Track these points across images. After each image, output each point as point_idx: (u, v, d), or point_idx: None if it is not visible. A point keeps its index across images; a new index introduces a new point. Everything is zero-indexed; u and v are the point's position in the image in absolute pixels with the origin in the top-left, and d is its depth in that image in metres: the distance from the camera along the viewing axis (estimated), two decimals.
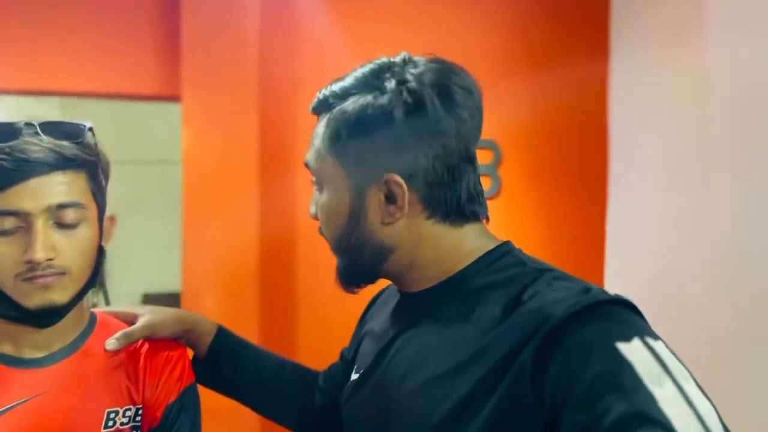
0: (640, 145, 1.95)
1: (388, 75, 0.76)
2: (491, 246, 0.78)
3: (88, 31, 2.21)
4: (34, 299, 0.84)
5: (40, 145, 0.84)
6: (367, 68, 0.79)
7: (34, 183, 0.83)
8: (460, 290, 0.76)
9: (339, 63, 2.40)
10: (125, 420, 0.91)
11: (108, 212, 0.95)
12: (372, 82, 0.77)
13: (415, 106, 0.74)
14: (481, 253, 0.77)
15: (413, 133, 0.74)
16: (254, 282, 2.25)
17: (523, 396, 0.63)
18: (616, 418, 0.55)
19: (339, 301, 2.40)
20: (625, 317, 0.65)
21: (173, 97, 2.19)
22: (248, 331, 2.23)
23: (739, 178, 1.55)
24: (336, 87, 0.79)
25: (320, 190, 0.82)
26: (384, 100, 0.74)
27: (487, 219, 0.81)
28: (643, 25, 1.93)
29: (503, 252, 0.78)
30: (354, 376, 0.88)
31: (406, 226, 0.77)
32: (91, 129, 0.91)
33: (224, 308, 2.20)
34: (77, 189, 0.86)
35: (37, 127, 0.86)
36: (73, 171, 0.86)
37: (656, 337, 0.62)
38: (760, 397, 1.39)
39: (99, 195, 0.91)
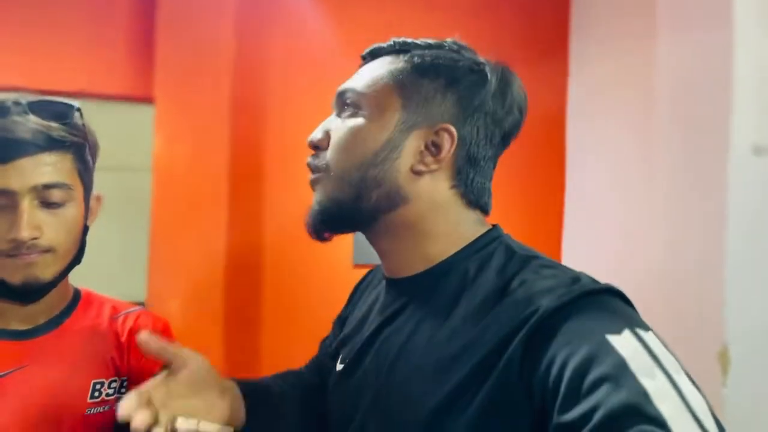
0: (595, 144, 2.04)
1: (474, 52, 0.78)
2: (482, 231, 0.78)
3: (57, 27, 2.19)
4: (17, 275, 0.86)
5: (27, 126, 0.85)
6: (449, 40, 0.79)
7: (21, 163, 0.84)
8: (448, 277, 0.75)
9: (313, 71, 2.47)
10: (110, 391, 0.93)
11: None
12: (461, 51, 0.78)
13: (502, 87, 0.76)
14: (471, 239, 0.76)
15: (486, 106, 0.75)
16: (220, 290, 2.25)
17: (512, 388, 0.62)
18: (608, 412, 0.54)
19: (303, 309, 2.43)
20: (615, 307, 0.64)
21: (145, 99, 2.19)
22: (212, 338, 2.23)
23: (681, 179, 1.64)
24: (416, 40, 0.79)
25: (353, 114, 0.77)
26: (479, 66, 0.76)
27: (487, 215, 0.81)
28: (601, 25, 2.03)
29: (492, 238, 0.77)
30: (339, 366, 0.85)
31: (428, 184, 0.75)
32: (79, 110, 0.93)
33: (188, 315, 2.19)
34: (64, 169, 0.88)
35: (26, 106, 0.87)
36: (60, 152, 0.88)
37: (647, 328, 0.62)
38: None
39: (85, 175, 0.93)
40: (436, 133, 0.74)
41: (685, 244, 1.60)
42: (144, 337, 0.74)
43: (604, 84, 1.99)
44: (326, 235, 0.79)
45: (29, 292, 0.88)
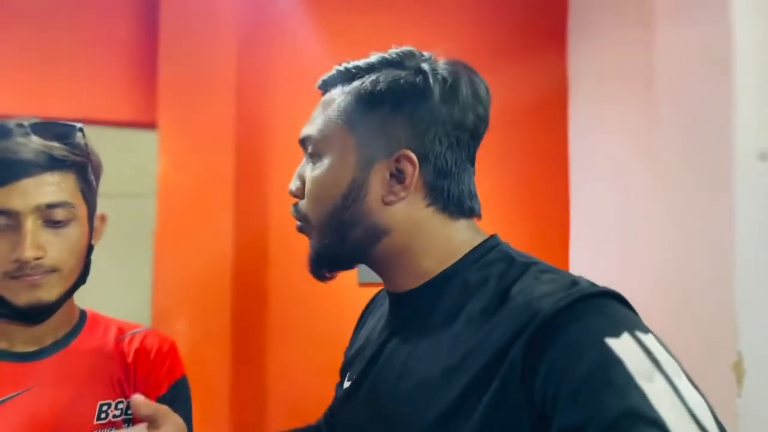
0: (599, 152, 2.04)
1: (419, 58, 0.77)
2: (479, 240, 0.77)
3: (59, 54, 2.19)
4: (22, 297, 0.86)
5: (30, 146, 0.86)
6: (392, 52, 0.78)
7: (24, 183, 0.85)
8: (449, 288, 0.74)
9: (316, 91, 2.46)
10: (117, 413, 0.92)
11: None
12: (403, 62, 0.76)
13: (451, 90, 0.74)
14: (469, 249, 0.76)
15: (439, 116, 0.74)
16: (225, 311, 2.23)
17: (513, 395, 0.62)
18: (608, 418, 0.54)
19: (310, 333, 2.41)
20: (614, 310, 0.63)
21: (148, 124, 2.20)
22: (217, 359, 2.21)
23: (687, 186, 1.63)
24: (359, 62, 0.78)
25: (316, 161, 0.78)
26: (420, 77, 0.74)
27: (479, 217, 0.80)
28: (599, 26, 2.03)
29: (490, 246, 0.77)
30: (346, 384, 0.86)
31: (405, 210, 0.75)
32: (81, 130, 0.93)
33: (193, 337, 2.17)
34: (67, 189, 0.88)
35: (28, 128, 0.88)
36: (63, 171, 0.88)
37: (646, 331, 0.61)
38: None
39: (89, 194, 0.93)
40: (397, 160, 0.74)
41: (694, 252, 1.58)
42: (138, 400, 0.74)
43: (606, 91, 1.99)
44: (327, 275, 0.82)
45: (34, 313, 0.88)
